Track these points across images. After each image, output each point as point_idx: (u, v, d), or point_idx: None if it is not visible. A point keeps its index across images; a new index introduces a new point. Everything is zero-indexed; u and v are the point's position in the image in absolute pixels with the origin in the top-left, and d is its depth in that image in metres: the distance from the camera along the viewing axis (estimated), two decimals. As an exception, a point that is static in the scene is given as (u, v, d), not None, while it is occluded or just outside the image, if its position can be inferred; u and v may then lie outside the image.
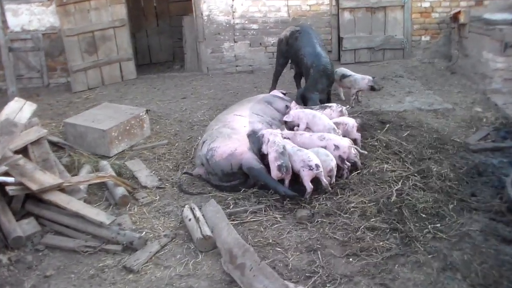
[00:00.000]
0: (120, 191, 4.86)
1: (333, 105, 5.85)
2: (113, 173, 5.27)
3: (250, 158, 4.84)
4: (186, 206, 4.52)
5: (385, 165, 5.19)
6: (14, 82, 8.14)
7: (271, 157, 4.70)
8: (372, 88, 6.95)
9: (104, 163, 5.50)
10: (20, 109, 5.00)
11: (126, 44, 9.08)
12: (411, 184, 4.74)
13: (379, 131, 6.11)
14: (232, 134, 5.12)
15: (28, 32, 8.90)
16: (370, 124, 6.33)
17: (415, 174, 4.94)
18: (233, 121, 5.42)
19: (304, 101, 6.50)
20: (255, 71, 9.32)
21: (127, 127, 6.11)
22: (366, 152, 5.23)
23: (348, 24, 9.06)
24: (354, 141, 5.43)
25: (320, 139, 4.99)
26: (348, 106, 6.25)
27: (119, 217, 4.58)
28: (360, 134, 5.63)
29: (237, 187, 4.94)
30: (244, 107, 5.77)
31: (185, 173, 5.20)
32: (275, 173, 4.61)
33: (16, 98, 5.18)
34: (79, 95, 8.50)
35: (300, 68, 6.90)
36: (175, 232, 4.32)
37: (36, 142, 5.36)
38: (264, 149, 4.85)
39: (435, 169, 5.00)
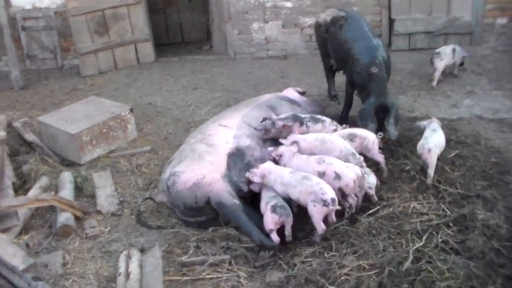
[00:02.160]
0: (63, 218, 3.94)
1: (327, 119, 4.47)
2: (70, 190, 4.36)
3: (220, 191, 3.69)
4: (124, 252, 3.50)
5: (413, 203, 3.87)
6: (17, 66, 7.47)
7: (262, 202, 3.63)
8: None
9: (65, 175, 4.61)
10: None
11: (142, 24, 8.09)
12: (439, 240, 3.39)
13: (418, 147, 4.72)
14: (205, 154, 3.96)
15: (40, 10, 8.17)
16: (409, 137, 4.91)
17: (451, 224, 3.57)
18: (214, 134, 4.24)
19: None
20: (289, 56, 8.01)
21: (104, 130, 5.16)
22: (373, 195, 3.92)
23: (401, 3, 7.42)
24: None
25: (318, 162, 3.73)
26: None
27: (51, 254, 3.70)
28: (383, 155, 4.30)
29: (206, 224, 3.85)
30: (236, 114, 4.57)
31: (147, 198, 4.17)
32: (269, 218, 3.42)
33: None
34: (86, 80, 7.70)
35: (344, 64, 5.11)
36: (105, 286, 3.32)
37: (-12, 148, 4.58)
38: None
39: (481, 216, 3.60)
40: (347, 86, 5.24)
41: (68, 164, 5.06)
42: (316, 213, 3.43)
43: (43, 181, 4.55)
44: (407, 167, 4.38)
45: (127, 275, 3.21)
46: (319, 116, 4.44)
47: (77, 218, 4.07)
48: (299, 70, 7.34)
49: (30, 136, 5.41)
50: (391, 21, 7.55)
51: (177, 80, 7.38)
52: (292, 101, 4.99)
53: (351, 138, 4.21)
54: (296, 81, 6.87)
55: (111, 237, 3.88)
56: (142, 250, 3.65)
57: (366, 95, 4.77)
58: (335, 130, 4.36)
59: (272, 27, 7.96)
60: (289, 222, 3.44)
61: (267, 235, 3.44)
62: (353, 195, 3.64)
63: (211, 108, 6.19)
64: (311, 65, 7.47)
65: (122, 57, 8.13)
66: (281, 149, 4.03)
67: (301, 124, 4.27)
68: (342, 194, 3.59)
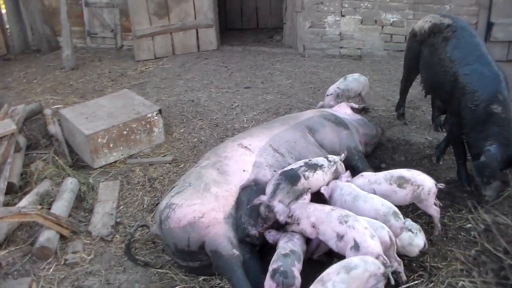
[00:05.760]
0: (43, 238, 3.59)
1: (325, 162, 3.50)
2: (68, 201, 4.03)
3: (219, 236, 3.09)
4: (87, 296, 3.07)
5: (463, 281, 3.03)
6: (70, 45, 7.38)
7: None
8: None
9: (68, 182, 4.27)
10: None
11: (206, 7, 7.64)
12: None
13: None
14: (212, 185, 3.35)
15: (103, -14, 8.05)
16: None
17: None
18: (231, 157, 3.62)
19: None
20: (364, 57, 7.17)
21: (124, 132, 4.78)
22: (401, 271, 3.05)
23: (505, 4, 6.24)
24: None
25: (339, 221, 2.97)
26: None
27: (17, 280, 3.35)
28: (439, 209, 3.45)
29: (198, 271, 3.30)
30: (264, 133, 3.91)
31: (142, 225, 3.69)
32: (266, 284, 2.80)
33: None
34: (138, 65, 7.44)
35: (442, 92, 4.08)
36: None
37: (-3, 141, 4.40)
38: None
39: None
40: (450, 125, 4.09)
41: (82, 166, 4.76)
42: None
43: (44, 186, 4.26)
44: (468, 225, 3.54)
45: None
46: (315, 161, 3.48)
47: (63, 237, 3.72)
48: (370, 76, 6.45)
49: (53, 128, 5.19)
50: (489, 25, 6.39)
51: (231, 75, 6.85)
52: (338, 122, 4.21)
53: (400, 183, 3.40)
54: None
55: (91, 268, 3.46)
56: (116, 294, 3.21)
57: (480, 141, 3.66)
58: (335, 172, 3.52)
59: (349, 21, 7.15)
60: None
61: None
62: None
63: (257, 114, 5.59)
64: (386, 70, 6.59)
65: (181, 42, 7.77)
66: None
67: (297, 179, 3.31)
68: None
